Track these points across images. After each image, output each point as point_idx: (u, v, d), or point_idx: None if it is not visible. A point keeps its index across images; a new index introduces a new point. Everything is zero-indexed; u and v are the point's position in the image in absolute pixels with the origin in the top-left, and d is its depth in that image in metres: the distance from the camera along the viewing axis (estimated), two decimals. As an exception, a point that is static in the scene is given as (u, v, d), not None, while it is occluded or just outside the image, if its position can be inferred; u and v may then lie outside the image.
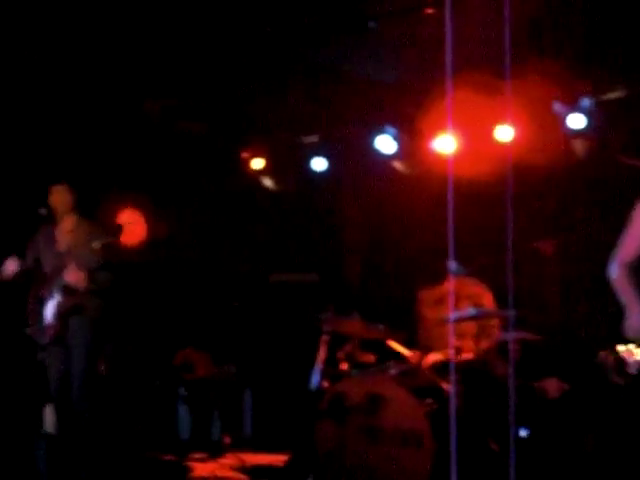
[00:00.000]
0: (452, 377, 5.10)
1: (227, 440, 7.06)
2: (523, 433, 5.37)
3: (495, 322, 5.82)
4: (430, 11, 5.56)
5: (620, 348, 3.55)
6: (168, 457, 6.57)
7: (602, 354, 3.64)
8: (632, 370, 3.48)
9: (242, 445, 6.97)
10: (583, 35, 5.78)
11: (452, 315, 5.43)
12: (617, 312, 3.67)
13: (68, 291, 5.12)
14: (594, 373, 4.37)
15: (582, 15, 5.63)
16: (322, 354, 5.56)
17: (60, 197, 5.31)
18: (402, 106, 6.45)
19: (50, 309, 5.17)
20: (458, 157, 6.43)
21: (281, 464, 5.94)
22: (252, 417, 7.35)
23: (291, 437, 6.08)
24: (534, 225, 6.15)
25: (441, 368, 5.44)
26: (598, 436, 5.41)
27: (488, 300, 5.85)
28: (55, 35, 5.76)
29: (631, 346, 3.52)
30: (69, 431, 5.26)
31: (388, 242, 7.36)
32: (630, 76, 6.07)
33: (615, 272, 3.73)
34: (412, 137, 6.73)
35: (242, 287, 7.78)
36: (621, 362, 3.52)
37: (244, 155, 7.66)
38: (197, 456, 6.69)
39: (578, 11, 5.62)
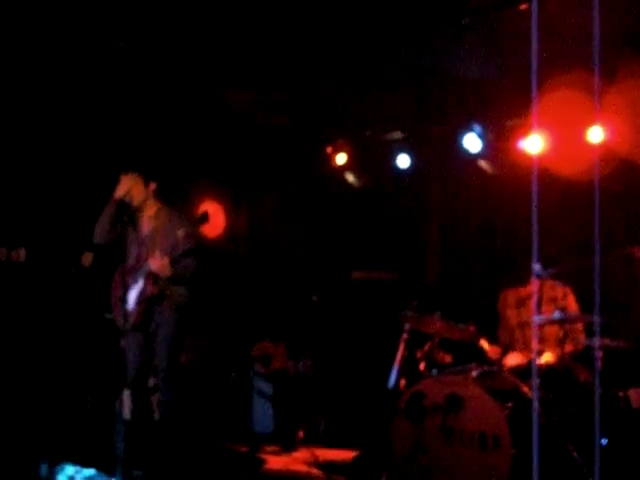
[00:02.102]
0: (534, 381, 5.00)
1: (301, 434, 7.08)
2: (602, 442, 5.24)
3: (580, 327, 5.70)
4: (524, 7, 5.46)
5: None
6: (242, 448, 6.62)
7: None
8: None
9: (315, 440, 6.98)
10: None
11: (536, 318, 5.33)
12: None
13: (152, 278, 5.09)
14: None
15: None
16: (401, 352, 5.52)
17: (131, 185, 5.22)
18: (490, 104, 6.35)
19: (133, 295, 5.16)
20: (548, 157, 6.31)
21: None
22: (326, 412, 7.35)
23: (365, 434, 6.06)
24: (628, 229, 6.00)
25: (522, 371, 5.35)
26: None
27: (572, 303, 5.72)
28: (142, 25, 5.83)
29: None
30: (144, 418, 5.30)
31: (471, 241, 7.27)
32: None
33: None
34: (499, 136, 6.64)
35: (322, 282, 7.78)
36: None
37: (328, 150, 7.68)
38: (270, 449, 6.72)
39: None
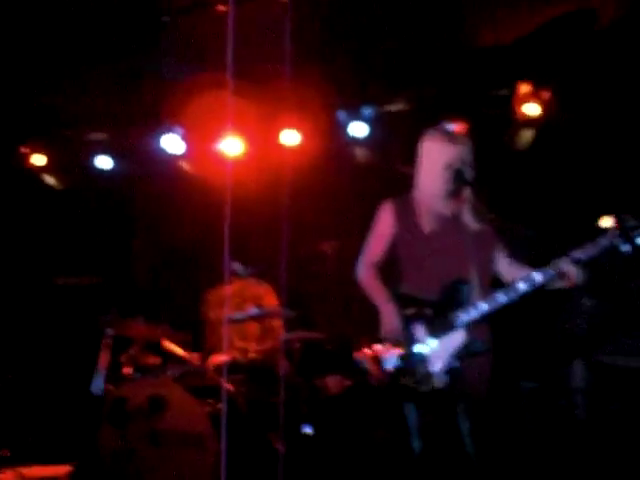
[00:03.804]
0: (225, 377, 5.18)
1: (5, 453, 6.72)
2: (308, 430, 5.51)
3: (279, 322, 5.95)
4: (222, 9, 5.56)
5: (377, 347, 3.65)
6: None
7: (360, 354, 3.74)
8: (389, 367, 3.59)
9: (22, 458, 6.64)
10: (369, 48, 6.01)
11: (232, 315, 5.51)
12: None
13: None
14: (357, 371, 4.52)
15: (370, 29, 5.84)
16: (104, 358, 5.43)
17: None
18: (190, 106, 6.38)
19: None
20: (244, 160, 6.50)
21: (64, 476, 5.71)
22: (33, 427, 7.01)
23: (75, 446, 5.87)
24: (319, 227, 6.34)
25: (226, 368, 5.48)
26: (388, 429, 5.64)
27: (271, 300, 5.97)
28: None
29: (387, 345, 3.64)
30: None
31: (177, 243, 7.29)
32: (411, 90, 6.41)
33: (363, 274, 3.85)
34: (199, 138, 6.70)
35: (24, 289, 7.40)
36: (379, 360, 3.63)
37: (23, 150, 7.30)
38: (-29, 473, 6.30)
39: (367, 25, 5.83)
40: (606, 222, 3.52)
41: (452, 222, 3.73)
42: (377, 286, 3.78)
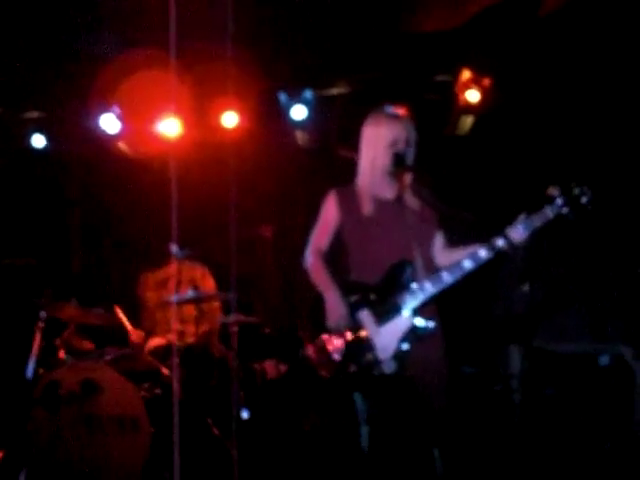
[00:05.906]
0: (174, 360, 5.08)
1: None
2: (245, 415, 5.48)
3: (216, 305, 5.91)
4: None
5: (323, 337, 3.57)
6: None
7: (306, 347, 3.67)
8: (337, 357, 3.53)
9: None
10: (311, 31, 5.96)
11: (171, 298, 5.44)
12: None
13: None
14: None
15: (312, 12, 5.80)
16: (38, 341, 5.32)
17: None
18: (126, 84, 6.24)
19: None
20: (183, 141, 6.40)
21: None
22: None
23: (5, 432, 5.73)
24: (257, 210, 6.29)
25: (162, 352, 5.42)
26: (317, 414, 5.63)
27: (209, 283, 5.95)
28: None
29: (333, 334, 3.58)
30: None
31: (113, 224, 7.17)
32: (352, 74, 6.39)
33: (309, 261, 3.81)
34: (136, 118, 6.57)
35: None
36: (326, 351, 3.58)
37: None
38: None
39: (309, 8, 5.77)
40: (552, 191, 3.50)
41: (394, 206, 3.71)
42: (322, 273, 3.73)
